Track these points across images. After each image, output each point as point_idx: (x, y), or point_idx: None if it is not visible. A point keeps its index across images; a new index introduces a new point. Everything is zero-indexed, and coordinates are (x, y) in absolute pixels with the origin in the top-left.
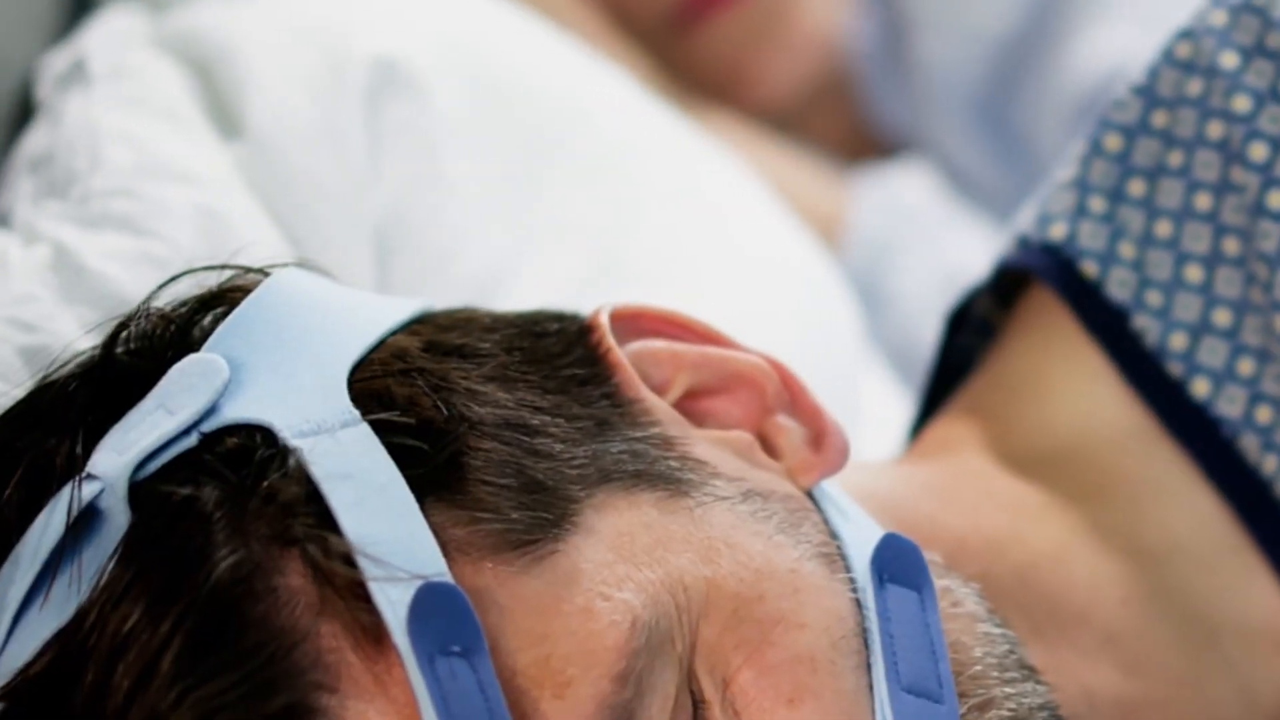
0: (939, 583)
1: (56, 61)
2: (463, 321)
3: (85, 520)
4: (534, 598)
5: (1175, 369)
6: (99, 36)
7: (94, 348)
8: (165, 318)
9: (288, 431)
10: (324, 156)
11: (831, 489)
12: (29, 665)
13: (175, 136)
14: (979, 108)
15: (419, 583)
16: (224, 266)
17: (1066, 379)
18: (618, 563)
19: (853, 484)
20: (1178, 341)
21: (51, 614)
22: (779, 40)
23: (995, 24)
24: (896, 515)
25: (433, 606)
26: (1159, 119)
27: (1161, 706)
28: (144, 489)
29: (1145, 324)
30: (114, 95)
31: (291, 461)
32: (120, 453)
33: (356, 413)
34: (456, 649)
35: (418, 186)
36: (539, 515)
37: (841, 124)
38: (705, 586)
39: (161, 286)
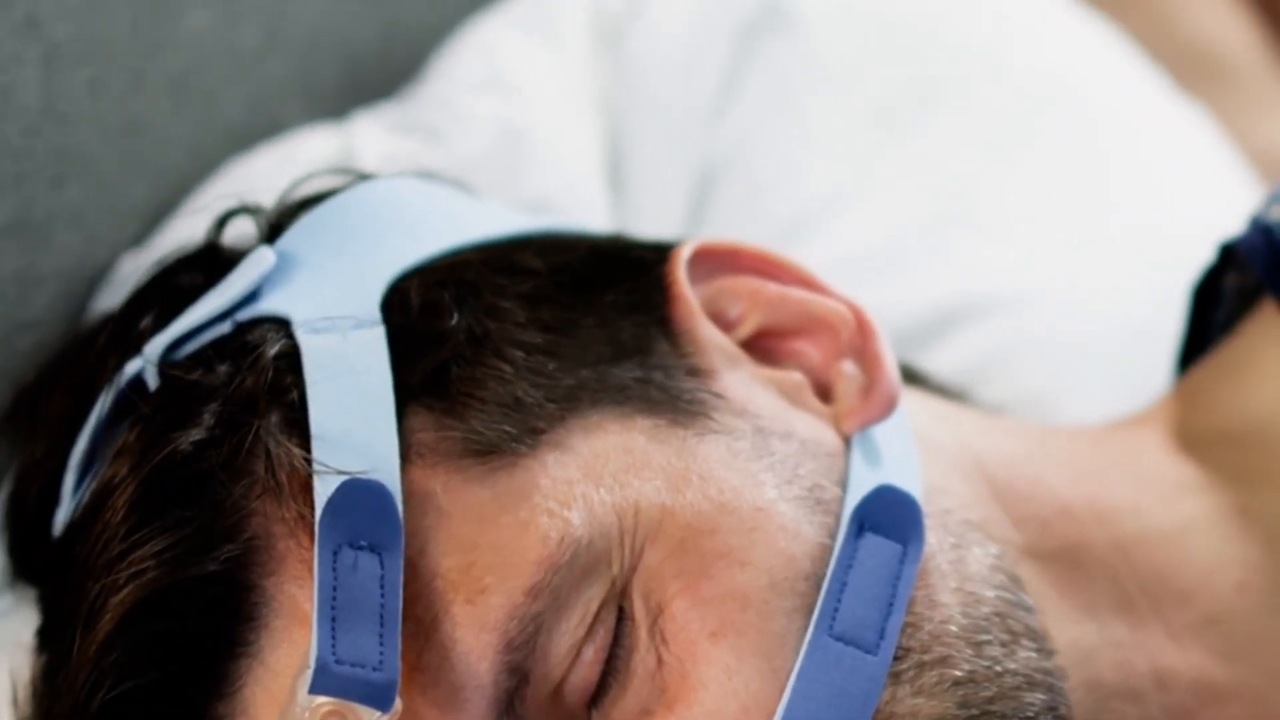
0: (946, 539)
1: None
2: (550, 244)
3: (141, 391)
4: (477, 506)
5: None
6: None
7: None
8: (268, 214)
9: (302, 327)
10: (677, 87)
11: (888, 440)
12: (74, 510)
13: (540, 55)
14: None
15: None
16: (343, 171)
17: (1272, 361)
18: (580, 482)
19: (956, 440)
20: None
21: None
22: None
23: None
24: (989, 473)
25: (352, 501)
26: None
27: (1254, 699)
28: (174, 368)
29: None
30: (514, 13)
31: (276, 349)
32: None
33: (378, 315)
34: (365, 543)
35: (763, 123)
36: (504, 430)
37: None
38: (660, 513)
39: (294, 186)
